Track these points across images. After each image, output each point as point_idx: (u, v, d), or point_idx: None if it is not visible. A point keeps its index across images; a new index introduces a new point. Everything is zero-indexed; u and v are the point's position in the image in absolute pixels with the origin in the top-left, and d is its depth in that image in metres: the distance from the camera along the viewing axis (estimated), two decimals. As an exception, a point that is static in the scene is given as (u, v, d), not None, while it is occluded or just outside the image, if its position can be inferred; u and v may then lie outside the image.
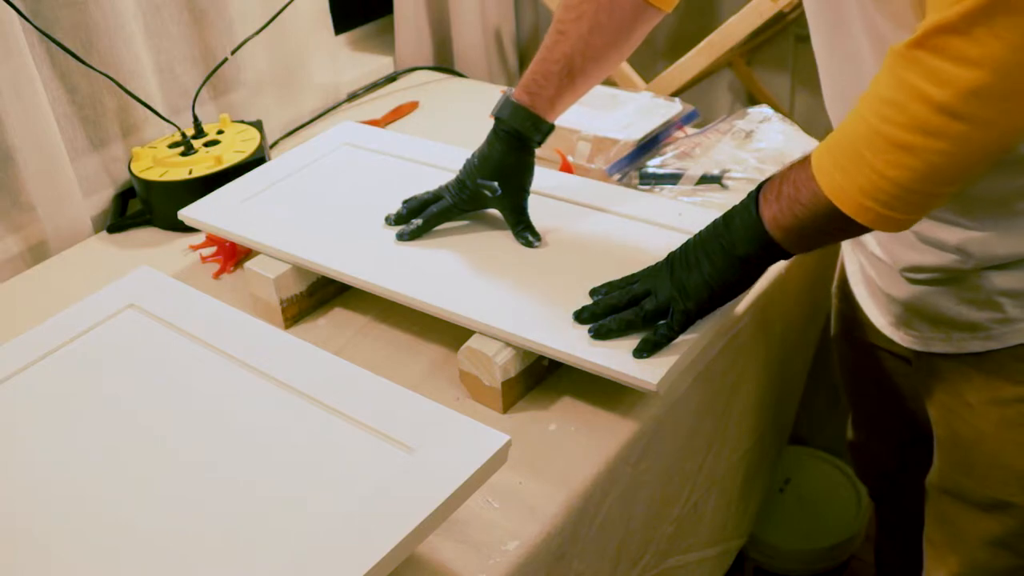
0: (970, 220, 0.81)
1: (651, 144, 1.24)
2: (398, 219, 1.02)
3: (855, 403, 1.20)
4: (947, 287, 0.87)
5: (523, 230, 0.98)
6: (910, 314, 0.92)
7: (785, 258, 0.79)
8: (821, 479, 1.55)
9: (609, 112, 1.28)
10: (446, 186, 1.01)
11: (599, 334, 0.83)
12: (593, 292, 0.88)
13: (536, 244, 0.97)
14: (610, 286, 0.87)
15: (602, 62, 0.95)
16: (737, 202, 0.80)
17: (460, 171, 0.99)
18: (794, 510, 1.51)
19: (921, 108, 0.64)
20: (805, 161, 0.74)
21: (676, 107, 1.29)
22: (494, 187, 0.96)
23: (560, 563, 0.77)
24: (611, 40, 0.93)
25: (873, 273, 0.96)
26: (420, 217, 1.00)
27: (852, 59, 0.81)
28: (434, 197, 1.01)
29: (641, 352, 0.81)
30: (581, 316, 0.85)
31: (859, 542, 1.49)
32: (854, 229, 0.72)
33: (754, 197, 0.78)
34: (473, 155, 0.99)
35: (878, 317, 0.98)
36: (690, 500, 1.00)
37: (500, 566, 0.72)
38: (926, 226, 0.84)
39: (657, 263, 0.86)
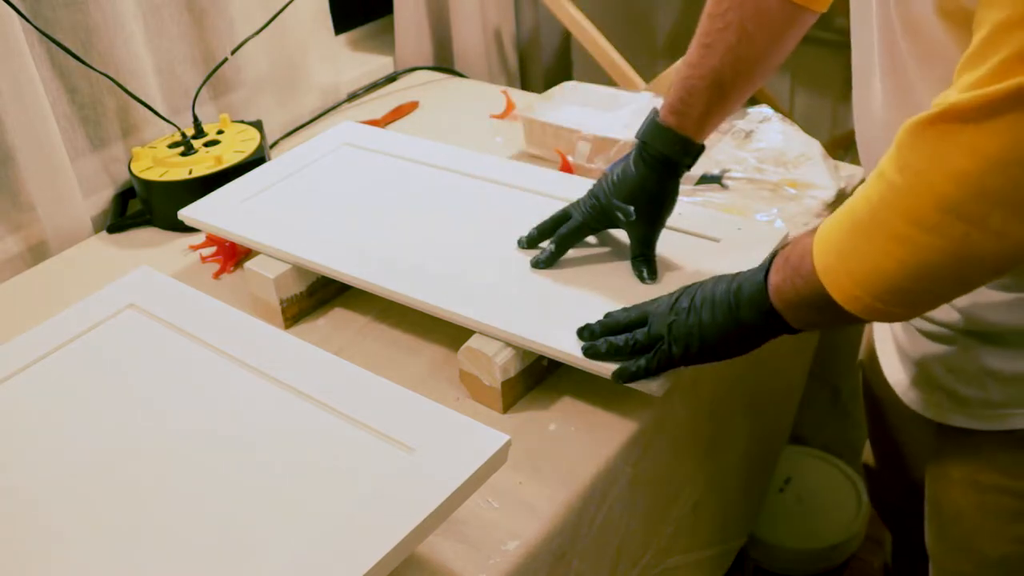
0: None
1: (651, 144, 1.24)
2: (530, 242, 0.96)
3: (872, 431, 1.16)
4: (942, 352, 0.82)
5: (641, 262, 0.91)
6: (912, 369, 0.87)
7: (791, 332, 0.72)
8: (821, 479, 1.55)
9: (609, 112, 1.28)
10: (576, 203, 0.95)
11: (587, 353, 0.81)
12: (607, 314, 0.83)
13: (648, 282, 0.90)
14: (623, 310, 0.82)
15: (754, 73, 0.87)
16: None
17: (594, 186, 0.93)
18: (794, 510, 1.51)
19: (921, 198, 0.56)
20: (815, 230, 0.66)
21: (676, 107, 1.29)
22: (629, 211, 0.89)
23: (560, 563, 0.77)
24: (762, 49, 0.85)
25: None
26: (552, 241, 0.93)
27: (871, 88, 0.76)
28: (563, 216, 0.95)
29: (617, 378, 0.79)
30: (582, 334, 0.82)
31: (859, 542, 1.49)
32: (847, 317, 0.64)
33: (769, 260, 0.71)
34: (611, 171, 0.92)
35: (889, 364, 0.94)
36: (690, 500, 0.99)
37: (500, 566, 0.72)
38: None
39: (671, 293, 0.79)
